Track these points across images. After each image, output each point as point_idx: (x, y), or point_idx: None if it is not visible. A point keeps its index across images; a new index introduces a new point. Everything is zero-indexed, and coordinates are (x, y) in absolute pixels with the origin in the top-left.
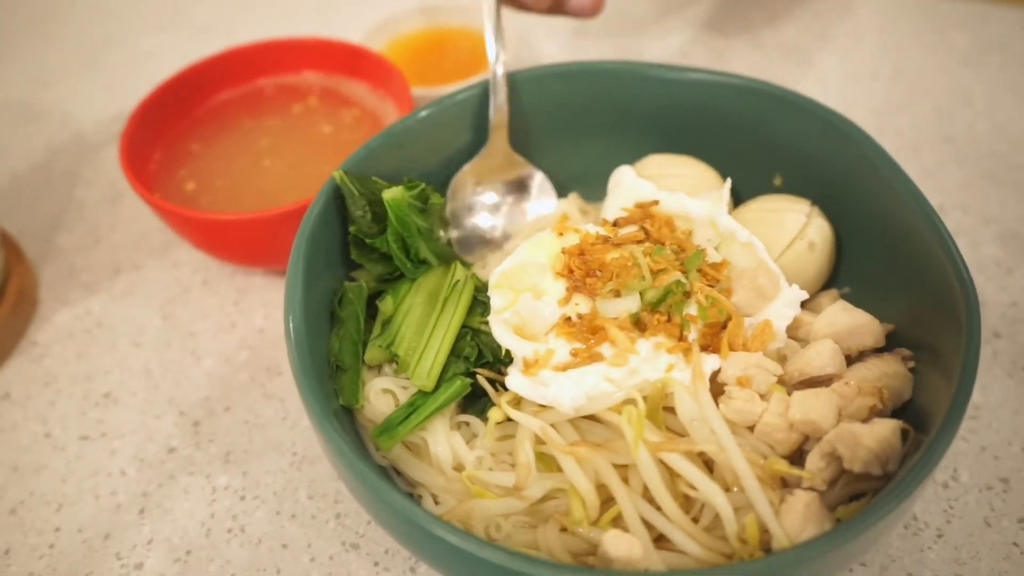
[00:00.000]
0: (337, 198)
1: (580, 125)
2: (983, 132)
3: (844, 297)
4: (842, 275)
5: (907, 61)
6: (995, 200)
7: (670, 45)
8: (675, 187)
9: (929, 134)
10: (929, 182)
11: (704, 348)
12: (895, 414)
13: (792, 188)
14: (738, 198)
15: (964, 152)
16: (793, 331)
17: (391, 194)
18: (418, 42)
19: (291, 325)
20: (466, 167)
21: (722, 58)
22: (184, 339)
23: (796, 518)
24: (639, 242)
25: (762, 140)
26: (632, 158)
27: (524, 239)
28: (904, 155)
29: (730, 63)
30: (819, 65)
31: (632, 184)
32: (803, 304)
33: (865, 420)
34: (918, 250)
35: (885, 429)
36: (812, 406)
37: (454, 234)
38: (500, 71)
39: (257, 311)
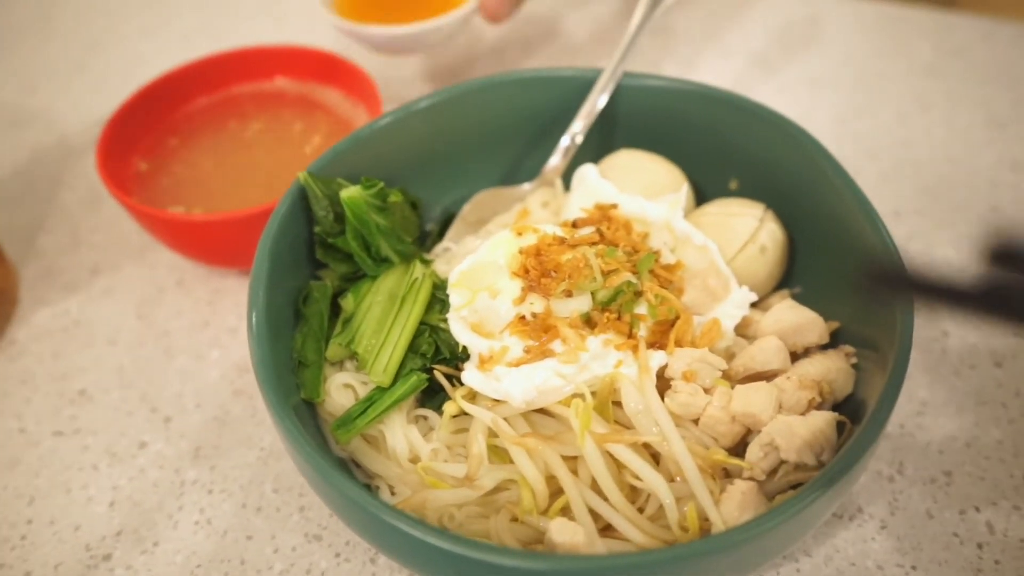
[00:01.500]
0: (303, 199)
1: (555, 126)
2: (941, 138)
3: (795, 297)
4: (795, 275)
5: (869, 69)
6: (950, 205)
7: (642, 53)
8: (642, 182)
9: (888, 140)
10: (886, 186)
11: (653, 345)
12: (838, 407)
13: (748, 191)
14: (698, 199)
15: (922, 158)
16: (743, 329)
17: (348, 193)
18: None
19: (253, 321)
20: (500, 190)
21: (691, 65)
22: (158, 338)
23: (734, 506)
24: (593, 244)
25: (719, 145)
26: (599, 156)
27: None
28: (862, 160)
29: (697, 70)
30: (783, 73)
31: (594, 184)
32: (755, 304)
33: (803, 413)
34: (863, 252)
35: (820, 421)
36: (752, 399)
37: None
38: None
39: (230, 311)
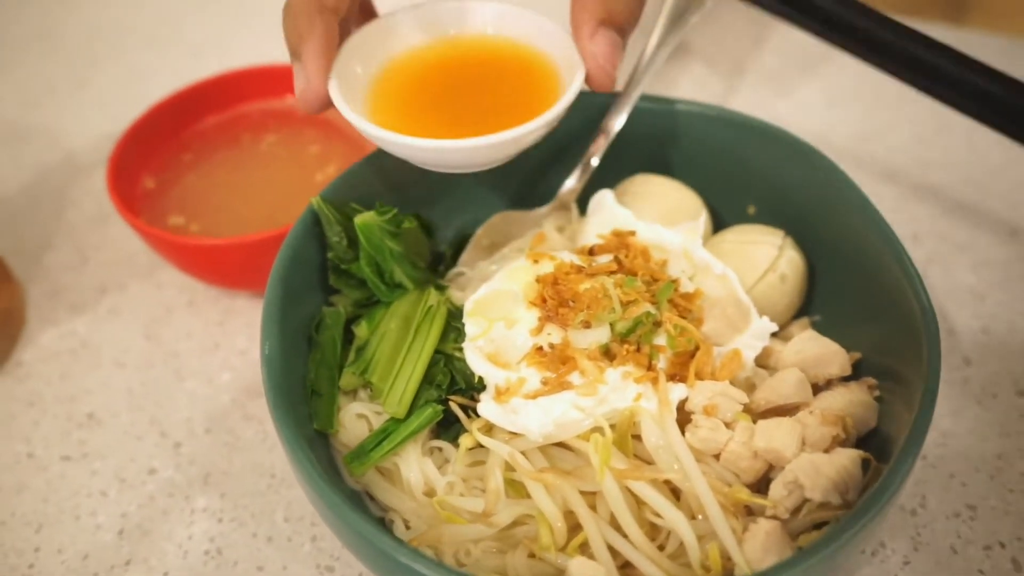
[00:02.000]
0: (316, 224)
1: (570, 148)
2: (960, 160)
3: (814, 325)
4: (814, 303)
5: (886, 88)
6: (970, 228)
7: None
8: (659, 207)
9: (906, 161)
10: (905, 209)
11: (673, 377)
12: (860, 442)
13: (766, 217)
14: (716, 225)
15: (941, 179)
16: (763, 360)
17: (362, 219)
18: (425, 66)
19: (267, 350)
20: (515, 213)
21: (705, 84)
22: (167, 360)
23: (758, 546)
24: (612, 272)
25: (737, 169)
26: (615, 179)
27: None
28: (881, 181)
29: (713, 88)
30: (799, 91)
31: (611, 210)
32: (774, 334)
33: (828, 449)
34: (885, 280)
35: (845, 459)
36: (775, 435)
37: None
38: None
39: (240, 333)
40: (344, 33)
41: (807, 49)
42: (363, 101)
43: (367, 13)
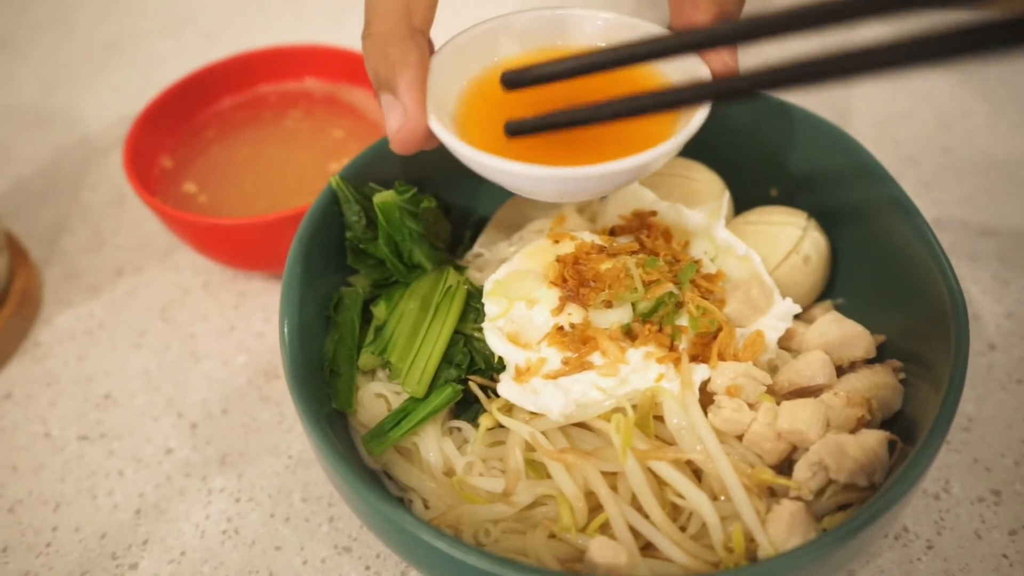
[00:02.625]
0: (334, 204)
1: None
2: (982, 145)
3: (838, 308)
4: (837, 286)
5: (908, 74)
6: (993, 213)
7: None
8: (681, 189)
9: (928, 146)
10: (927, 194)
11: (695, 358)
12: (885, 425)
13: (788, 199)
14: (737, 206)
15: (963, 165)
16: (786, 342)
17: (381, 198)
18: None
19: (286, 330)
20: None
21: None
22: (184, 341)
23: (782, 527)
24: (633, 253)
25: (760, 151)
26: None
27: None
28: (903, 167)
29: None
30: None
31: (633, 190)
32: (798, 316)
33: (853, 431)
34: (911, 263)
35: (872, 440)
36: (799, 416)
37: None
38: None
39: (256, 314)
40: None
41: (828, 36)
42: (452, 122)
43: None
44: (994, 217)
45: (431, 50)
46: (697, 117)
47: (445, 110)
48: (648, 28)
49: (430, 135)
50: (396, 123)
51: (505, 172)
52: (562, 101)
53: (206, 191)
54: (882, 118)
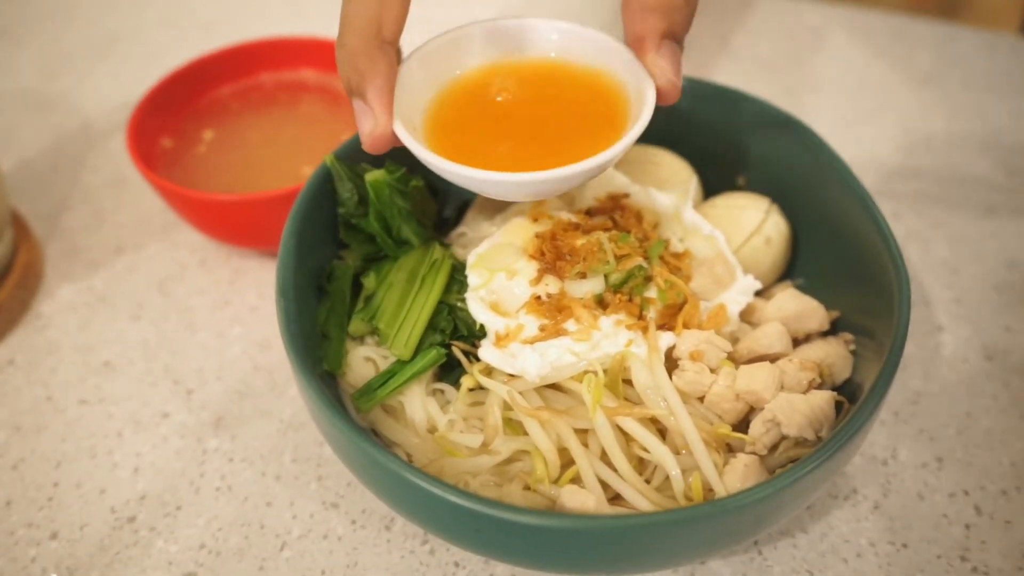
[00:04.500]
0: (328, 182)
1: None
2: (940, 144)
3: (798, 288)
4: (798, 267)
5: (872, 77)
6: (946, 206)
7: None
8: (653, 175)
9: (889, 144)
10: (886, 188)
11: (662, 327)
12: (837, 391)
13: (755, 187)
14: (707, 193)
15: (921, 162)
16: (747, 316)
17: (373, 176)
18: (486, 90)
19: (281, 294)
20: None
21: (703, 69)
22: (181, 314)
23: (737, 477)
24: (607, 230)
25: (729, 141)
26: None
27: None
28: (864, 162)
29: (710, 73)
30: (790, 77)
31: (608, 175)
32: (759, 293)
33: (804, 392)
34: (865, 248)
35: (819, 399)
36: (755, 377)
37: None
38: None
39: (250, 290)
40: None
41: (799, 40)
42: (421, 128)
43: None
44: (947, 210)
45: (400, 59)
46: (645, 113)
47: (413, 117)
48: (604, 40)
49: (396, 139)
50: (367, 127)
51: (463, 176)
52: (525, 104)
53: (203, 172)
54: (846, 117)
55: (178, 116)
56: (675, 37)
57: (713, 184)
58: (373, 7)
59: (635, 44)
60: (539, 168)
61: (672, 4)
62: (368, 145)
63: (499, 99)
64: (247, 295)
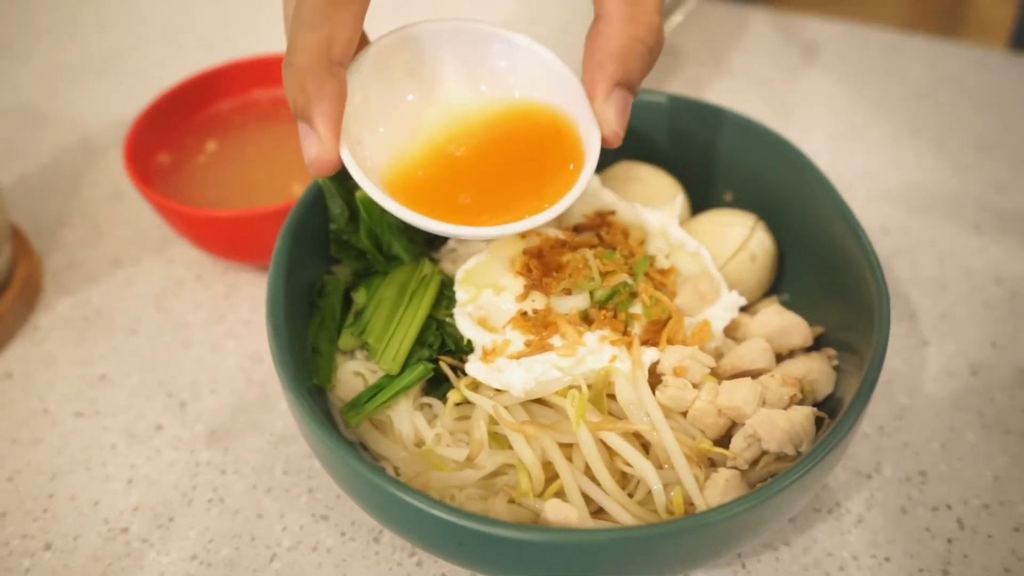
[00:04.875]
0: (320, 198)
1: None
2: (930, 161)
3: (783, 304)
4: (783, 284)
5: (865, 92)
6: (935, 223)
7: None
8: (640, 192)
9: (880, 160)
10: (876, 204)
11: (646, 342)
12: (819, 406)
13: (741, 203)
14: (694, 209)
15: (911, 178)
16: (732, 331)
17: (363, 194)
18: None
19: (271, 309)
20: None
21: (695, 84)
22: (176, 329)
23: (718, 491)
24: (592, 246)
25: (716, 159)
26: (600, 167)
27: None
28: (855, 178)
29: (702, 89)
30: (782, 93)
31: (595, 191)
32: (744, 309)
33: (785, 408)
34: (849, 266)
35: (800, 415)
36: (737, 392)
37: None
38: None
39: (245, 304)
40: None
41: (791, 55)
42: (380, 168)
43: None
44: (935, 227)
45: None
46: (590, 160)
47: (373, 157)
48: (564, 77)
49: (342, 164)
50: (312, 152)
51: (416, 222)
52: (483, 156)
53: (200, 187)
54: (838, 132)
55: (175, 132)
56: (628, 85)
57: (700, 201)
58: (323, 27)
59: (588, 87)
60: (500, 215)
61: (632, 52)
62: (313, 170)
63: (458, 154)
64: (241, 309)
